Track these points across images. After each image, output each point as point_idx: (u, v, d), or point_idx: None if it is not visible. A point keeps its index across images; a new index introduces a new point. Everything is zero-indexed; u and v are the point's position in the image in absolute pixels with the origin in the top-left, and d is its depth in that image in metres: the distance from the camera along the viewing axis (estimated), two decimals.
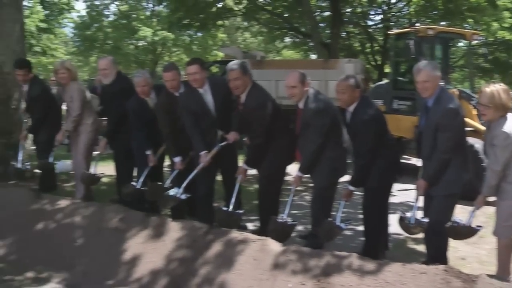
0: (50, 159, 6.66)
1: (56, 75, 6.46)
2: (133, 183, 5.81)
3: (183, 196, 5.17)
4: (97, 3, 33.86)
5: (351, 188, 4.88)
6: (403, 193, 7.57)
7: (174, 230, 4.65)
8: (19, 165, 6.72)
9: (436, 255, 4.50)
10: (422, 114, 4.64)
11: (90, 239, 4.96)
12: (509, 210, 4.29)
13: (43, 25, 29.47)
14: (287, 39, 26.99)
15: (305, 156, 4.98)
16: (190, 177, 5.21)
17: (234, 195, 5.11)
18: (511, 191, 4.25)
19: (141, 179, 5.75)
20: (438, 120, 4.31)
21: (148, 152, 5.75)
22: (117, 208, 5.26)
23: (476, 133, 8.10)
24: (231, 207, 5.06)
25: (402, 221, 4.71)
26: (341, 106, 4.86)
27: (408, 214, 4.77)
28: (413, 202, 4.66)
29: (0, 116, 7.46)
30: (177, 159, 5.56)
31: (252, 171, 5.64)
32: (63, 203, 5.56)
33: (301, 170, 5.02)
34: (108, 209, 5.25)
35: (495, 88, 4.24)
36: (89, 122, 6.55)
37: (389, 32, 12.72)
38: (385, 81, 12.92)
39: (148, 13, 33.59)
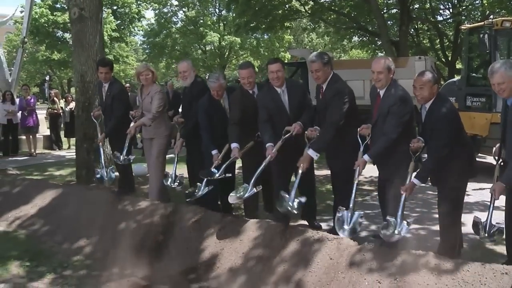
0: (131, 158, 6.82)
1: (140, 76, 6.64)
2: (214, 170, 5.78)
3: (254, 190, 5.24)
4: (165, 10, 34.75)
5: (416, 181, 4.70)
6: (478, 192, 7.38)
7: (251, 229, 4.76)
8: (103, 172, 6.92)
9: None
10: (503, 113, 4.53)
11: (169, 238, 5.16)
12: None
13: (115, 34, 30.71)
14: (355, 38, 26.74)
15: (380, 143, 4.87)
16: (258, 172, 5.26)
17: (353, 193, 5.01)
18: None
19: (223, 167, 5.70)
20: None
21: (214, 152, 5.79)
22: (195, 209, 5.44)
23: None
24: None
25: (476, 226, 4.66)
26: (418, 102, 4.78)
27: (482, 219, 4.69)
28: (487, 201, 4.54)
29: (83, 122, 7.90)
30: (234, 145, 5.59)
31: (323, 172, 5.68)
32: (143, 204, 5.81)
33: (372, 155, 4.90)
34: (186, 210, 5.44)
35: None
36: (163, 126, 6.73)
37: (462, 27, 12.36)
38: (457, 78, 12.56)
39: (214, 18, 34.17)
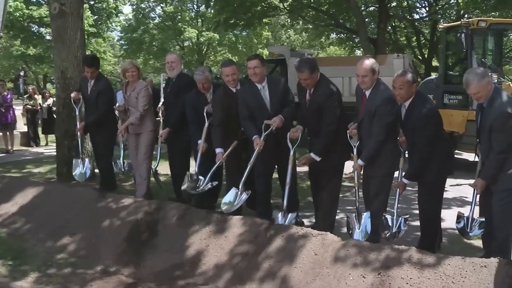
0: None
1: (126, 73, 6.66)
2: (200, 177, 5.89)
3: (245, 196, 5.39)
4: (143, 6, 34.47)
5: (406, 181, 4.94)
6: (456, 188, 7.52)
7: (236, 226, 4.80)
8: (83, 165, 7.03)
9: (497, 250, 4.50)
10: (477, 114, 4.73)
11: (154, 235, 5.17)
12: None
13: (92, 29, 30.34)
14: (332, 35, 26.89)
15: (371, 146, 4.97)
16: (246, 172, 5.39)
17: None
18: None
19: (208, 175, 5.80)
20: (492, 122, 4.41)
21: (218, 150, 5.71)
22: (179, 205, 5.47)
23: None
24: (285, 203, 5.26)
25: (459, 222, 4.95)
26: (398, 101, 4.88)
27: (465, 214, 4.82)
28: (465, 197, 4.69)
29: (63, 119, 7.84)
30: (218, 150, 5.67)
31: (303, 169, 5.77)
32: (127, 201, 5.80)
33: (365, 159, 5.04)
34: (170, 206, 5.45)
35: None
36: (149, 122, 6.77)
37: (439, 26, 12.56)
38: (434, 75, 12.77)
39: (193, 14, 34.03)
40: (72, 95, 7.19)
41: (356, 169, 5.11)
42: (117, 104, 7.10)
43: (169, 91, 6.75)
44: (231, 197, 5.42)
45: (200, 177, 5.84)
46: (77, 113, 7.22)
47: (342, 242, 4.26)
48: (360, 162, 5.05)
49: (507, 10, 16.76)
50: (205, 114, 5.91)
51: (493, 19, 11.29)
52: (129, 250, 5.10)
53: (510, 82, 9.25)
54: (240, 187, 5.37)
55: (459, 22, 10.40)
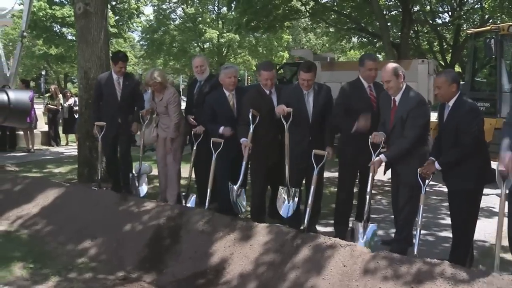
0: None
1: (149, 86, 6.75)
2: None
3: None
4: (164, 7, 34.60)
5: (438, 166, 4.70)
6: (484, 198, 7.31)
7: (261, 234, 4.68)
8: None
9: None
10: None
11: (177, 241, 5.06)
12: None
13: (113, 30, 30.53)
14: (354, 39, 26.72)
15: (399, 145, 4.91)
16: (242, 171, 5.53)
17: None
18: None
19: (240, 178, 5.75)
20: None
21: (243, 140, 5.61)
22: (202, 211, 5.36)
23: None
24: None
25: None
26: (439, 100, 4.84)
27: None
28: (492, 207, 4.49)
29: (86, 120, 7.79)
30: (243, 140, 5.62)
31: (326, 174, 5.73)
32: (149, 205, 5.71)
33: (388, 156, 4.94)
34: (193, 212, 5.35)
35: None
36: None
37: (468, 31, 12.33)
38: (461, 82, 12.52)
39: (213, 16, 34.06)
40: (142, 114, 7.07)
41: (373, 164, 4.98)
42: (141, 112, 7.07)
43: (199, 92, 6.69)
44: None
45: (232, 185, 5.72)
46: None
47: (371, 254, 4.11)
48: (382, 157, 4.93)
49: None
50: (250, 116, 5.71)
51: None
52: (151, 256, 5.01)
53: None
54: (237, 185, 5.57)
55: (489, 27, 10.16)
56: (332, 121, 5.61)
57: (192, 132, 6.45)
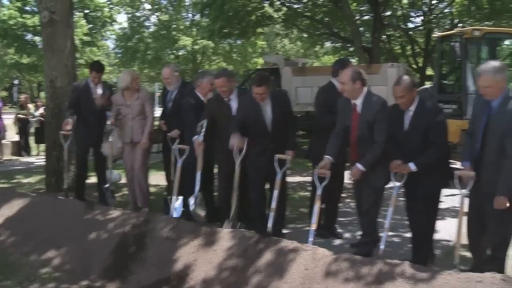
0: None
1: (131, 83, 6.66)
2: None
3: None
4: (138, 14, 34.44)
5: (413, 167, 4.65)
6: (450, 198, 7.42)
7: (225, 239, 4.68)
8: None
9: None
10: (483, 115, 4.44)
11: (142, 248, 5.03)
12: None
13: (86, 38, 30.33)
14: (327, 44, 26.93)
15: (373, 152, 4.86)
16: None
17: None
18: None
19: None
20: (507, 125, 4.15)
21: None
22: (167, 218, 5.35)
23: None
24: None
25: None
26: (403, 108, 4.76)
27: None
28: (459, 207, 4.53)
29: (53, 129, 7.70)
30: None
31: (296, 179, 5.70)
32: (115, 213, 5.68)
33: (365, 164, 4.89)
34: (159, 219, 5.32)
35: None
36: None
37: (434, 35, 12.56)
38: (429, 84, 12.74)
39: (187, 23, 34.01)
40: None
41: (354, 176, 4.99)
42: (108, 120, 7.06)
43: (174, 100, 6.68)
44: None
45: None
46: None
47: (333, 256, 4.14)
48: (360, 167, 4.89)
49: (500, 19, 16.75)
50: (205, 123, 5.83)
51: (487, 28, 11.32)
52: (116, 264, 4.96)
53: None
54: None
55: (454, 31, 10.41)
56: (319, 123, 5.70)
57: (168, 136, 6.43)
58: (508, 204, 4.14)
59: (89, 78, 7.17)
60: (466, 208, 4.41)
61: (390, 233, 6.01)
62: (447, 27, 21.06)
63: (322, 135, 5.50)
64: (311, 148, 6.30)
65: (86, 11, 31.85)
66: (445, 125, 4.73)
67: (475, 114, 4.54)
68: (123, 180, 7.51)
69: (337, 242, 5.97)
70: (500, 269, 4.24)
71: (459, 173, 4.35)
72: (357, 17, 21.64)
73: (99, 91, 7.10)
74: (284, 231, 5.85)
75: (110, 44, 40.94)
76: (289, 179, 9.88)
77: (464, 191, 4.27)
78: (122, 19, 47.24)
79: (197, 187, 5.68)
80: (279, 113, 5.54)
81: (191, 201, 5.64)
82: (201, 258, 4.61)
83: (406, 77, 4.80)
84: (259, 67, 24.50)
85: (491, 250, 4.44)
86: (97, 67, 7.24)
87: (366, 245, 5.08)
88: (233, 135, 5.30)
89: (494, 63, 4.35)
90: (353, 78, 4.92)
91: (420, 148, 4.65)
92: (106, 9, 32.42)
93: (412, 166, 4.65)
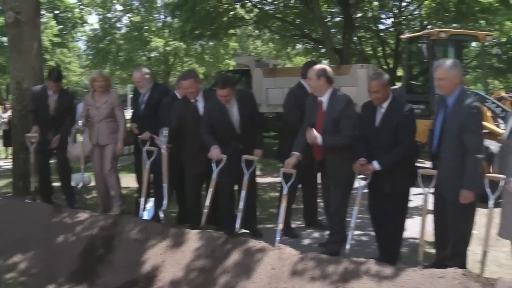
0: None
1: (94, 83, 6.58)
2: None
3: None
4: (109, 15, 34.06)
5: (377, 166, 4.72)
6: (419, 197, 7.53)
7: (193, 240, 4.69)
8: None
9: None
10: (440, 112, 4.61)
11: (110, 251, 5.00)
12: None
13: (57, 39, 29.84)
14: (299, 46, 27.05)
15: (339, 139, 4.98)
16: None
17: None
18: None
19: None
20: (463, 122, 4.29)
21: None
22: (136, 220, 5.33)
23: (491, 135, 8.07)
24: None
25: None
26: (376, 104, 4.84)
27: None
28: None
29: (19, 132, 7.58)
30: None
31: (267, 180, 5.73)
32: (83, 216, 5.63)
33: (325, 142, 5.03)
34: (127, 221, 5.30)
35: None
36: (116, 133, 6.66)
37: (401, 36, 12.75)
38: (398, 85, 12.92)
39: (159, 24, 33.77)
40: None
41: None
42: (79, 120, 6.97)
43: (147, 102, 6.67)
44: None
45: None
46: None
47: (300, 256, 4.19)
48: (319, 139, 4.98)
49: (466, 22, 17.06)
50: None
51: (453, 30, 11.49)
52: (84, 267, 4.93)
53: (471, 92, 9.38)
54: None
55: (421, 33, 10.59)
56: (288, 123, 5.80)
57: (138, 139, 6.40)
58: (473, 198, 4.28)
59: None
60: (430, 206, 4.52)
61: (359, 232, 6.17)
62: (417, 28, 21.36)
63: (290, 135, 5.52)
64: (280, 148, 6.36)
65: (56, 11, 31.30)
66: (414, 124, 4.82)
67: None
68: (93, 183, 7.45)
69: (306, 241, 6.04)
70: (462, 264, 4.35)
71: (422, 172, 4.44)
72: (328, 19, 21.79)
73: (55, 97, 6.98)
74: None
75: (81, 45, 40.40)
76: (260, 179, 10.00)
77: (427, 189, 4.36)
78: (93, 20, 46.75)
79: (165, 200, 5.65)
80: (246, 114, 5.62)
81: (160, 214, 5.64)
82: (169, 259, 4.61)
83: (384, 74, 4.98)
84: (231, 68, 24.44)
85: (452, 246, 4.55)
86: (54, 76, 7.04)
87: (334, 244, 5.14)
88: (213, 147, 5.37)
89: (450, 60, 4.57)
90: (317, 74, 5.03)
91: (389, 146, 4.73)
92: (77, 10, 31.93)
93: (376, 165, 4.72)
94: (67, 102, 7.05)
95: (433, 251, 5.36)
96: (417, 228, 5.80)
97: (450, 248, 4.55)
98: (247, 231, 5.76)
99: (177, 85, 6.52)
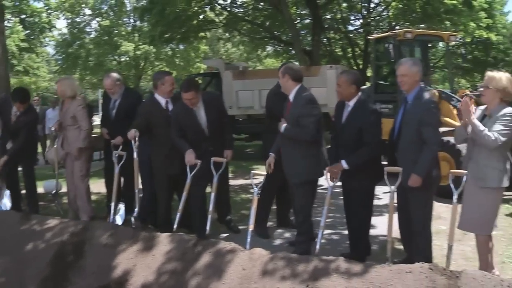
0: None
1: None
2: None
3: None
4: (78, 20, 33.65)
5: (345, 165, 4.82)
6: (387, 195, 7.64)
7: (163, 243, 4.68)
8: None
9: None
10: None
11: (81, 257, 4.96)
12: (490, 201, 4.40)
13: (24, 44, 29.34)
14: (269, 48, 27.17)
15: (300, 133, 5.08)
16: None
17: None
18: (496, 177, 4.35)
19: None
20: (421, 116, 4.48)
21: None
22: (106, 225, 5.30)
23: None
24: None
25: None
26: (339, 98, 5.03)
27: None
28: (395, 203, 4.72)
29: None
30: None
31: (238, 182, 5.76)
32: (52, 222, 5.56)
33: (286, 132, 5.13)
34: (97, 226, 5.27)
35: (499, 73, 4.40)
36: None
37: (369, 37, 12.92)
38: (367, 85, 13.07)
39: (129, 29, 33.52)
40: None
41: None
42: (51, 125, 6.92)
43: (119, 106, 6.66)
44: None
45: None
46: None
47: (270, 256, 4.22)
48: (282, 128, 5.10)
49: (432, 23, 17.36)
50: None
51: (419, 30, 11.70)
52: (54, 274, 4.87)
53: (435, 90, 9.55)
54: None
55: (387, 34, 10.74)
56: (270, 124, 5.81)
57: (111, 143, 6.34)
58: (420, 183, 4.45)
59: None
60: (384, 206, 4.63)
61: (330, 231, 6.23)
62: (385, 29, 21.65)
63: (274, 136, 5.58)
64: (264, 149, 6.38)
65: (23, 16, 30.80)
66: (379, 125, 4.93)
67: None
68: (64, 189, 7.38)
69: (277, 242, 6.07)
70: (426, 254, 4.56)
71: (387, 169, 4.54)
72: (298, 21, 21.95)
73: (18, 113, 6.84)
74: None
75: (50, 50, 39.79)
76: (232, 182, 10.04)
77: (393, 187, 4.44)
78: (61, 24, 46.09)
79: (137, 208, 5.68)
80: (213, 115, 5.65)
81: (132, 219, 5.68)
82: (140, 263, 4.60)
83: (353, 73, 5.24)
84: (202, 71, 24.40)
85: (414, 237, 4.70)
86: (19, 97, 6.79)
87: (303, 244, 5.18)
88: (188, 152, 5.39)
89: (412, 58, 5.05)
90: (282, 72, 5.16)
91: (354, 144, 4.85)
92: (44, 15, 31.46)
93: (344, 164, 4.83)
94: (28, 118, 6.85)
95: (401, 247, 5.48)
96: (387, 225, 5.95)
97: (414, 238, 4.71)
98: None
99: (160, 87, 6.37)
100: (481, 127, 4.29)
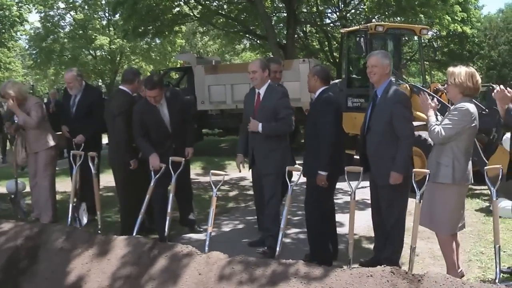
0: None
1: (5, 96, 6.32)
2: None
3: None
4: (51, 13, 33.07)
5: (323, 173, 4.76)
6: (361, 191, 7.56)
7: (119, 247, 4.52)
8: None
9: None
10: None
11: (35, 262, 4.78)
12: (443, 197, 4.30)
13: None
14: (245, 41, 27.04)
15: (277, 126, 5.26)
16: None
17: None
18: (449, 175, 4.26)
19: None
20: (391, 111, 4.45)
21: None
22: (62, 228, 5.11)
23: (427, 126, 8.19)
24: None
25: None
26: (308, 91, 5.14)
27: None
28: (367, 199, 4.67)
29: None
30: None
31: (207, 179, 5.69)
32: (6, 226, 5.34)
33: (265, 129, 5.24)
34: (53, 229, 5.08)
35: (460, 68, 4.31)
36: (46, 138, 6.43)
37: (341, 30, 12.85)
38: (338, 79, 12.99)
39: (104, 22, 33.08)
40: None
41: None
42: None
43: (79, 103, 6.52)
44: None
45: None
46: None
47: (227, 260, 4.09)
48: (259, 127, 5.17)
49: (406, 16, 17.34)
50: None
51: (390, 24, 11.64)
52: (5, 281, 4.68)
53: (406, 84, 9.48)
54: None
55: (359, 27, 10.65)
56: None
57: (74, 142, 6.26)
58: (400, 180, 4.42)
59: None
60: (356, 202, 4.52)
61: (297, 230, 6.13)
62: (362, 23, 21.63)
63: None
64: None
65: None
66: (330, 117, 4.78)
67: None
68: (28, 189, 7.19)
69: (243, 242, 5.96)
70: (399, 248, 4.61)
71: (348, 169, 4.42)
72: (273, 15, 21.83)
73: None
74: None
75: (25, 44, 39.06)
76: (201, 179, 9.91)
77: (353, 187, 4.33)
78: (34, 18, 45.14)
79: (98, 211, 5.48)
80: (176, 112, 5.62)
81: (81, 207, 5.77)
82: (94, 268, 4.44)
83: (319, 65, 5.63)
84: (178, 65, 24.11)
85: (387, 233, 4.66)
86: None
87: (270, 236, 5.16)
88: (152, 156, 5.34)
89: (383, 51, 4.98)
90: (262, 66, 5.23)
91: (313, 137, 4.89)
92: (15, 8, 30.75)
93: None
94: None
95: (370, 246, 5.39)
96: (357, 223, 5.88)
97: (386, 236, 4.65)
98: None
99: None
100: (432, 122, 4.29)
